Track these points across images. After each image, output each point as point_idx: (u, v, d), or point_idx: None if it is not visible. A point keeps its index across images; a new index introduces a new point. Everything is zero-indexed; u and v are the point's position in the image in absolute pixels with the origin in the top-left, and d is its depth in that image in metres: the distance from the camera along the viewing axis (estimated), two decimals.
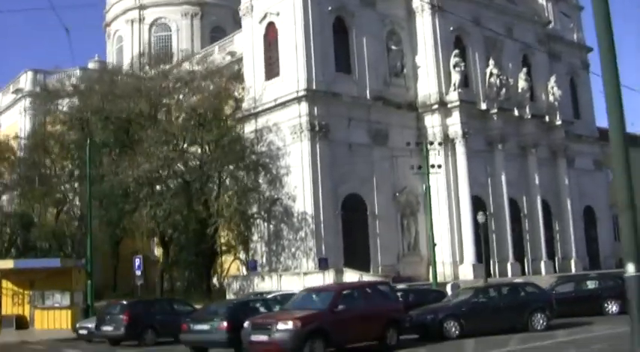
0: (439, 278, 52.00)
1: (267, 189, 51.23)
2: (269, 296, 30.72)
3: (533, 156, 59.39)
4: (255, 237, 52.66)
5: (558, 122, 61.73)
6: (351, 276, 43.99)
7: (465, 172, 53.51)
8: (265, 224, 51.74)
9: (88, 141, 37.92)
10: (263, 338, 19.95)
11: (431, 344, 23.91)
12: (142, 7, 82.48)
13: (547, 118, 61.76)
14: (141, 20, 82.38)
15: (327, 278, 44.29)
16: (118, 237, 55.79)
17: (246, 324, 20.69)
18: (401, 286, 39.58)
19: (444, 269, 52.75)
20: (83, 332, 30.26)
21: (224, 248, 53.78)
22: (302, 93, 49.35)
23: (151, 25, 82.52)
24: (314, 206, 48.49)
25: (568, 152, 64.92)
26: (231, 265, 54.93)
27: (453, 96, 54.11)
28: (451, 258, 53.05)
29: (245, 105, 54.06)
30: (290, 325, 19.72)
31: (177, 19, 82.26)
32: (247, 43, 55.50)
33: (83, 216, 54.03)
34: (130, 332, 27.30)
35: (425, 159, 41.70)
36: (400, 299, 26.72)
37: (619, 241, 69.84)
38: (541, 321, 25.93)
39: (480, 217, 49.17)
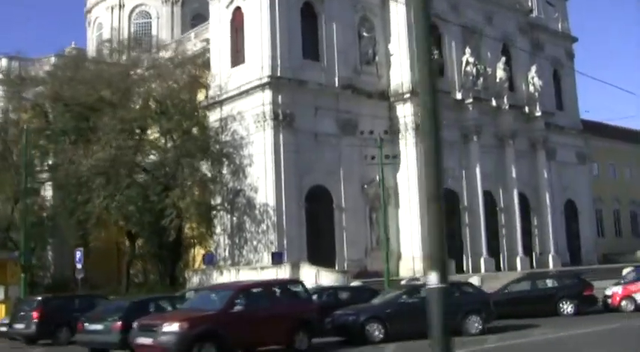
0: (408, 274, 50.68)
1: (231, 180, 49.61)
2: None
3: (511, 148, 57.54)
4: (218, 230, 51.04)
5: (538, 113, 59.87)
6: (308, 272, 42.29)
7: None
8: (228, 216, 50.09)
9: (25, 127, 36.08)
10: (148, 340, 18.31)
11: (348, 349, 22.19)
12: None
13: (527, 109, 59.90)
14: (121, 7, 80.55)
15: (283, 273, 42.59)
16: (84, 229, 54.02)
17: (134, 325, 18.99)
18: (355, 283, 38.16)
19: (413, 265, 51.16)
20: (2, 329, 28.59)
21: (190, 241, 52.35)
22: (265, 80, 47.60)
23: (131, 12, 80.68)
24: (276, 197, 46.80)
25: (549, 144, 63.07)
26: (197, 258, 53.24)
27: None
28: (421, 252, 51.13)
29: (211, 93, 52.48)
30: (176, 327, 18.05)
31: (157, 6, 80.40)
32: (214, 29, 53.82)
33: (43, 207, 52.72)
34: (42, 330, 25.66)
35: (379, 149, 39.98)
36: (326, 298, 25.02)
37: (602, 236, 68.76)
38: (476, 324, 24.22)
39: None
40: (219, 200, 50.29)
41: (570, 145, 66.09)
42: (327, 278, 41.59)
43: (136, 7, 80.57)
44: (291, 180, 47.43)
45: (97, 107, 49.62)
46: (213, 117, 51.61)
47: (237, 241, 49.48)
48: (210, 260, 46.40)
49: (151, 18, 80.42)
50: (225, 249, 50.07)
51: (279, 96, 47.99)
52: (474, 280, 36.33)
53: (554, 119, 64.16)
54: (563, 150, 64.85)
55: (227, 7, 52.18)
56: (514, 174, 57.06)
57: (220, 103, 51.06)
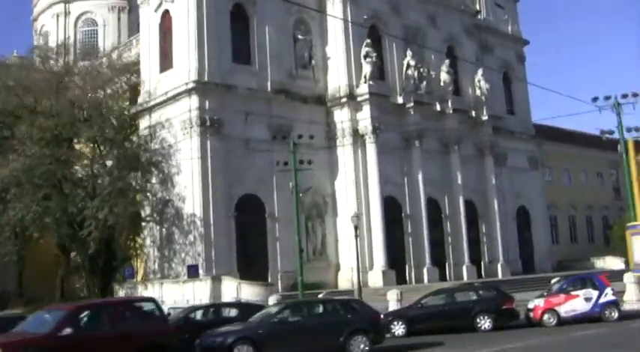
0: (346, 286, 48.73)
1: (160, 190, 47.54)
2: None
3: (456, 154, 55.71)
4: (148, 242, 48.95)
5: (485, 117, 58.08)
6: (229, 285, 40.31)
7: (376, 171, 49.80)
8: (158, 227, 48.00)
9: None
10: None
11: None
12: (67, 1, 78.57)
13: (473, 113, 58.05)
14: (66, 14, 78.46)
15: (203, 287, 40.62)
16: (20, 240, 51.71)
17: None
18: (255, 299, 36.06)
19: (352, 276, 49.05)
20: None
21: (125, 253, 50.26)
22: (191, 85, 45.53)
23: (77, 20, 78.61)
24: (203, 207, 44.79)
25: (499, 149, 61.42)
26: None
27: (363, 89, 50.44)
28: (360, 263, 49.12)
29: (140, 99, 50.38)
30: None
31: (103, 14, 78.43)
32: (144, 33, 51.93)
33: None
34: None
35: (292, 154, 37.68)
36: (208, 316, 22.89)
37: (557, 243, 67.03)
38: (362, 346, 22.13)
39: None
40: (148, 210, 48.24)
41: (522, 150, 64.42)
42: (248, 291, 39.62)
43: (82, 14, 78.56)
44: (219, 188, 45.43)
45: (20, 115, 47.49)
46: (144, 124, 49.61)
47: (166, 253, 47.39)
48: (129, 274, 44.24)
49: (97, 26, 78.39)
50: (154, 262, 47.95)
51: (207, 102, 46.02)
52: (392, 294, 34.16)
53: (504, 123, 62.52)
54: (515, 156, 63.16)
55: (156, 10, 50.27)
56: (460, 181, 55.24)
57: (149, 110, 49.08)
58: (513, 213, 62.35)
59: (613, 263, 62.99)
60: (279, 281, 47.05)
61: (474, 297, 29.48)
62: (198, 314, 25.45)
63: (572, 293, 29.62)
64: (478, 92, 58.57)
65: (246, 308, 26.16)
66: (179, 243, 46.50)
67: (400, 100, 53.16)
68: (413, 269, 51.73)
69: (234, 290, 39.77)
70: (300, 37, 51.47)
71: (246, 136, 47.28)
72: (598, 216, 74.88)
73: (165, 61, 49.20)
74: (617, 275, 52.59)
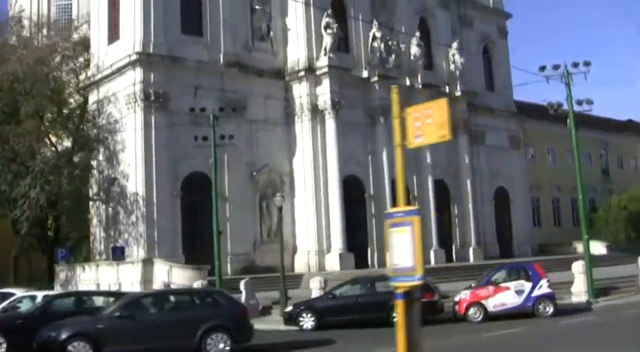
0: (303, 269, 46.39)
1: (106, 167, 45.38)
2: None
3: None
4: (94, 221, 46.82)
5: (458, 93, 55.04)
6: (160, 268, 37.98)
7: (335, 149, 47.19)
8: (104, 206, 45.83)
9: None
10: None
11: None
12: None
13: (447, 89, 55.08)
14: None
15: (134, 270, 38.35)
16: None
17: None
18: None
19: (308, 259, 46.90)
20: None
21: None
22: (135, 57, 43.03)
23: None
24: (145, 186, 42.56)
25: (476, 127, 58.67)
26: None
27: (322, 62, 47.72)
28: (317, 246, 46.79)
29: (90, 73, 48.02)
30: None
31: None
32: (94, 3, 49.32)
33: None
34: None
35: (212, 128, 35.04)
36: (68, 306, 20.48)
37: (539, 226, 64.13)
38: (221, 346, 19.52)
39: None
40: (96, 189, 46.18)
41: (502, 128, 61.46)
42: (179, 275, 37.36)
43: None
44: (163, 166, 43.11)
45: None
46: (93, 99, 47.36)
47: (111, 234, 45.19)
48: (62, 256, 42.04)
49: None
50: (100, 243, 45.79)
51: (152, 75, 43.59)
52: (315, 281, 31.66)
53: (483, 100, 59.58)
54: (494, 134, 60.25)
55: None
56: (429, 160, 52.44)
57: (97, 84, 46.73)
58: (491, 195, 59.53)
59: (595, 248, 60.04)
60: (229, 265, 44.73)
61: (391, 288, 26.77)
62: (62, 303, 22.94)
63: (502, 285, 26.95)
64: (452, 67, 55.61)
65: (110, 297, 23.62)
66: (124, 224, 44.29)
67: (365, 74, 50.43)
68: (375, 253, 49.10)
69: (166, 273, 37.46)
70: (257, 7, 48.70)
71: (195, 112, 44.64)
72: (584, 198, 71.52)
73: (114, 33, 46.84)
74: (598, 261, 50.31)
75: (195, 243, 44.46)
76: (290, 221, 47.86)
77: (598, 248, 59.16)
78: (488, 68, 61.69)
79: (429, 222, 52.02)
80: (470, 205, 55.00)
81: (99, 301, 23.59)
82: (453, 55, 55.51)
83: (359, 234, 49.65)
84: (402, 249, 10.07)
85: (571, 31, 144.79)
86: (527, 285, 26.55)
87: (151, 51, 43.43)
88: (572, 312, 27.63)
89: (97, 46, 47.93)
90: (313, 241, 46.90)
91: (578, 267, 31.80)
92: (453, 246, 54.62)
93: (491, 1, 63.58)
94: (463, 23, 60.14)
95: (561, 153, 69.57)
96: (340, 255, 46.10)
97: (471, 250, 54.42)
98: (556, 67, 31.76)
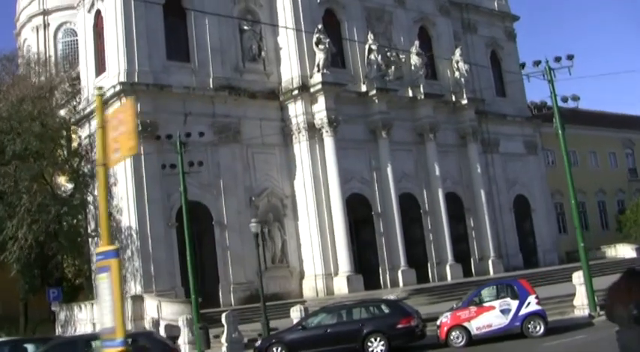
0: (311, 294, 44.68)
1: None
2: None
3: (432, 143, 50.90)
4: (94, 259, 45.50)
5: (464, 101, 53.02)
6: (150, 304, 36.48)
7: (335, 167, 45.46)
8: (101, 242, 44.48)
9: None
10: None
11: None
12: (45, 13, 75.90)
13: (453, 97, 53.13)
14: (46, 26, 75.86)
15: (125, 306, 36.81)
16: None
17: None
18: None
19: (315, 284, 45.07)
20: None
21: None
22: (119, 88, 41.89)
23: (57, 31, 75.88)
24: (138, 218, 41.16)
25: (489, 135, 56.41)
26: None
27: (316, 79, 46.12)
28: (323, 270, 44.99)
29: (80, 107, 47.14)
30: None
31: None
32: (81, 36, 48.78)
33: None
34: None
35: (179, 154, 33.46)
36: None
37: (565, 233, 61.45)
38: None
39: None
40: (93, 225, 45.05)
41: (516, 134, 59.17)
42: (169, 310, 35.88)
43: (61, 25, 75.66)
44: (156, 197, 41.77)
45: None
46: (85, 133, 46.39)
47: None
48: (55, 296, 40.79)
49: (77, 36, 75.43)
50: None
51: (138, 105, 42.17)
52: (295, 311, 29.84)
53: (494, 106, 57.45)
54: (508, 141, 58.01)
55: (89, 11, 47.08)
56: (438, 172, 50.38)
57: (88, 118, 45.71)
58: (510, 203, 57.22)
59: (624, 251, 57.47)
60: (232, 294, 43.24)
61: (365, 315, 24.80)
62: None
63: (486, 304, 24.58)
64: (457, 74, 53.59)
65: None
66: (121, 259, 42.89)
67: (364, 88, 48.73)
68: (387, 273, 47.15)
69: (155, 309, 35.99)
70: (246, 27, 47.37)
71: (186, 139, 43.29)
72: (612, 201, 68.84)
73: (101, 65, 45.85)
74: (624, 265, 47.76)
75: (196, 274, 42.99)
76: (295, 245, 46.29)
77: (627, 251, 56.52)
78: (497, 73, 59.48)
79: (442, 236, 50.03)
80: (486, 216, 52.66)
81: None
82: (457, 63, 53.49)
83: (369, 254, 47.88)
84: (104, 303, 8.03)
85: (584, 28, 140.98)
86: (514, 303, 24.23)
87: (136, 80, 42.27)
88: (570, 329, 25.34)
89: (86, 80, 47.04)
90: (319, 265, 45.09)
91: (578, 278, 29.31)
92: (472, 260, 52.28)
93: (496, 4, 61.54)
94: (467, 29, 58.20)
95: (583, 154, 66.96)
96: (348, 277, 44.26)
97: (490, 263, 52.03)
98: (536, 63, 29.71)
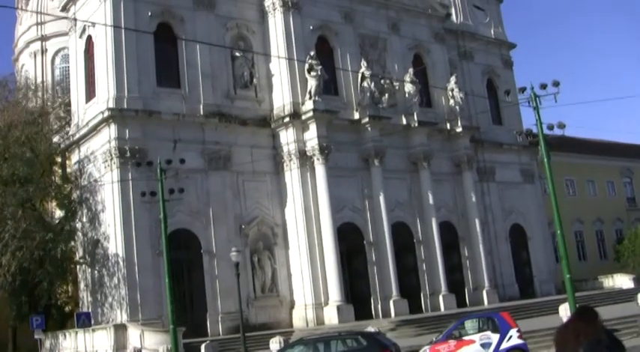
0: (301, 324, 44.03)
1: (89, 229, 43.82)
2: None
3: (426, 171, 50.36)
4: (82, 286, 45.13)
5: (459, 129, 52.56)
6: (133, 333, 35.82)
7: (326, 195, 44.89)
8: (89, 270, 44.14)
9: None
10: None
11: None
12: (44, 39, 75.86)
13: (448, 125, 52.72)
14: (43, 52, 75.80)
15: (106, 336, 36.30)
16: None
17: None
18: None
19: (305, 313, 44.38)
20: None
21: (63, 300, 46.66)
22: (107, 114, 41.54)
23: (54, 57, 75.77)
24: (125, 246, 40.59)
25: (485, 163, 55.93)
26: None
27: (307, 106, 45.70)
28: (314, 299, 44.30)
29: (71, 132, 46.83)
30: None
31: None
32: (72, 62, 48.49)
33: None
34: None
35: (160, 182, 32.90)
36: None
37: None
38: None
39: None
40: (81, 252, 44.66)
41: (513, 163, 58.64)
42: (152, 339, 35.18)
43: (59, 51, 75.38)
44: (144, 225, 41.18)
45: None
46: (75, 159, 46.14)
47: (98, 298, 43.30)
48: (38, 324, 40.08)
49: None
50: (88, 307, 43.96)
51: (126, 131, 41.97)
52: (275, 341, 29.20)
53: (491, 135, 57.00)
54: (504, 169, 57.47)
55: (80, 36, 46.87)
56: (431, 201, 49.80)
57: (77, 144, 45.43)
58: (506, 233, 56.55)
59: (622, 281, 56.70)
60: (220, 324, 42.57)
61: (341, 348, 24.09)
62: None
63: (466, 337, 23.93)
64: (452, 102, 53.17)
65: None
66: (108, 287, 42.47)
67: (356, 116, 48.31)
68: (379, 302, 46.43)
69: (138, 338, 35.34)
70: (238, 54, 47.06)
71: (175, 166, 42.82)
72: (610, 230, 68.09)
73: (91, 90, 45.59)
74: (626, 296, 46.99)
75: (182, 304, 42.51)
76: (286, 274, 45.68)
77: (624, 281, 55.78)
78: (494, 101, 59.08)
79: (436, 266, 49.39)
80: (480, 245, 51.98)
81: None
82: (452, 90, 53.10)
83: (361, 283, 47.26)
84: None
85: (584, 54, 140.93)
86: (495, 337, 23.55)
87: (125, 106, 41.89)
88: None
89: (77, 105, 46.78)
90: (309, 294, 44.42)
91: (565, 310, 28.60)
92: (466, 290, 51.56)
93: (492, 32, 61.30)
94: (463, 56, 57.89)
95: (581, 183, 66.45)
96: (338, 307, 43.53)
97: (484, 293, 51.26)
98: (522, 90, 29.27)
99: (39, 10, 72.91)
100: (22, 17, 78.09)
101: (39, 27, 76.47)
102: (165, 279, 40.99)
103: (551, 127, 30.03)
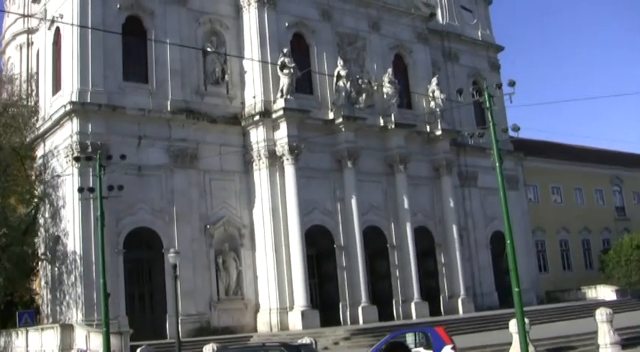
0: (265, 329, 42.87)
1: (51, 225, 42.75)
2: None
3: (402, 175, 49.05)
4: (42, 283, 44.10)
5: (438, 132, 51.20)
6: (80, 334, 34.66)
7: (294, 197, 43.68)
8: (50, 267, 43.10)
9: None
10: None
11: None
12: (30, 31, 74.88)
13: (427, 128, 51.38)
14: (29, 45, 74.74)
15: (53, 335, 35.16)
16: None
17: None
18: None
19: (270, 318, 43.14)
20: None
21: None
22: (69, 107, 40.41)
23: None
24: (82, 243, 39.42)
25: (467, 168, 54.55)
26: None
27: (279, 105, 44.47)
28: (278, 304, 43.05)
29: (37, 126, 45.76)
30: None
31: None
32: (41, 54, 47.39)
33: None
34: None
35: (98, 178, 31.49)
36: None
37: (545, 271, 59.28)
38: None
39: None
40: (43, 248, 43.60)
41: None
42: (98, 341, 33.83)
43: None
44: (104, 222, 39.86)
45: None
46: (40, 153, 45.09)
47: (57, 295, 42.19)
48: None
49: None
50: (48, 305, 42.91)
51: (89, 126, 40.80)
52: (208, 348, 27.88)
53: (475, 138, 55.18)
54: (487, 175, 55.71)
55: (49, 27, 45.76)
56: (407, 205, 48.45)
57: (42, 138, 44.37)
58: (487, 240, 55.18)
59: (605, 293, 55.22)
60: (180, 326, 41.24)
61: None
62: None
63: None
64: (432, 104, 51.81)
65: None
66: (66, 284, 41.39)
67: (331, 116, 47.05)
68: (348, 308, 45.15)
69: (84, 340, 34.18)
70: (209, 49, 45.88)
71: (138, 162, 41.80)
72: (597, 240, 66.47)
73: (57, 83, 44.45)
74: (610, 307, 45.44)
75: (141, 304, 41.57)
76: (252, 277, 44.48)
77: (607, 293, 54.33)
78: (479, 104, 57.47)
79: (409, 272, 48.09)
80: (457, 252, 50.59)
81: None
82: (433, 92, 51.73)
83: (330, 288, 46.03)
84: None
85: (572, 62, 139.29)
86: None
87: (88, 100, 40.73)
88: None
89: (44, 98, 45.74)
90: (274, 298, 43.18)
91: (514, 325, 27.12)
92: (441, 298, 50.18)
93: (480, 34, 59.91)
94: (448, 58, 56.61)
95: (568, 191, 64.89)
96: (303, 312, 42.31)
97: (459, 301, 49.88)
98: (477, 91, 28.00)
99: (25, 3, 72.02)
100: (9, 9, 77.13)
101: (25, 19, 75.41)
102: (121, 278, 40.57)
103: (505, 130, 28.73)
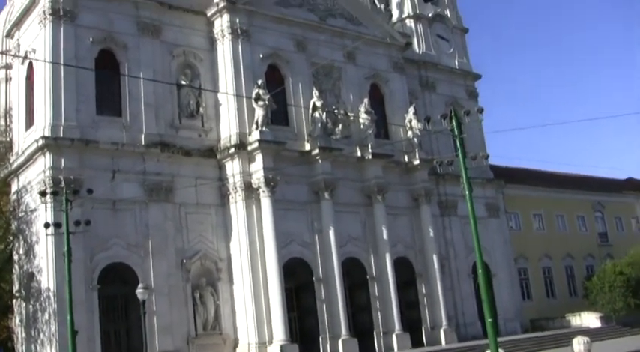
0: None
1: (25, 262, 42.18)
2: None
3: (381, 205, 48.74)
4: (17, 321, 43.39)
5: (416, 162, 51.04)
6: None
7: (271, 229, 43.28)
8: (24, 304, 42.44)
9: None
10: None
11: None
12: (7, 67, 74.48)
13: (406, 158, 51.23)
14: (7, 80, 74.40)
15: None
16: None
17: None
18: None
19: None
20: None
21: None
22: (41, 142, 40.02)
23: None
24: (56, 280, 38.75)
25: (447, 197, 54.34)
26: None
27: (254, 137, 44.23)
28: (257, 338, 42.45)
29: (11, 161, 45.35)
30: None
31: None
32: (14, 88, 47.16)
33: None
34: None
35: (65, 213, 31.12)
36: None
37: (529, 300, 58.87)
38: None
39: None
40: (17, 285, 42.98)
41: (477, 196, 55.97)
42: None
43: None
44: (77, 257, 39.21)
45: None
46: (14, 188, 44.63)
47: (32, 333, 41.50)
48: None
49: None
50: (22, 344, 42.16)
51: (62, 160, 40.39)
52: None
53: (453, 167, 55.13)
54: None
55: (22, 62, 45.50)
56: (385, 236, 48.11)
57: (16, 173, 43.93)
58: (469, 269, 54.79)
59: (589, 320, 54.83)
60: None
61: None
62: None
63: None
64: (410, 134, 51.69)
65: None
66: (40, 322, 40.71)
67: (307, 147, 46.83)
68: (328, 342, 44.57)
69: None
70: (184, 82, 45.72)
71: (113, 197, 41.38)
72: (580, 266, 66.23)
73: (30, 118, 44.14)
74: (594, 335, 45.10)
75: (117, 342, 40.89)
76: (230, 311, 43.89)
77: (591, 320, 53.96)
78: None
79: (390, 304, 47.60)
80: (438, 282, 50.20)
81: None
82: (410, 121, 51.65)
83: (309, 321, 45.48)
84: None
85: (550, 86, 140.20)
86: None
87: (61, 135, 40.37)
88: None
89: (18, 133, 45.40)
90: (253, 332, 42.58)
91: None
92: (423, 329, 49.66)
93: (457, 63, 60.04)
94: (425, 87, 56.70)
95: (550, 218, 64.75)
96: (281, 347, 41.71)
97: (442, 332, 49.36)
98: (444, 117, 27.93)
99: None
100: None
101: (2, 56, 75.21)
102: (96, 315, 39.92)
103: (474, 158, 28.66)
